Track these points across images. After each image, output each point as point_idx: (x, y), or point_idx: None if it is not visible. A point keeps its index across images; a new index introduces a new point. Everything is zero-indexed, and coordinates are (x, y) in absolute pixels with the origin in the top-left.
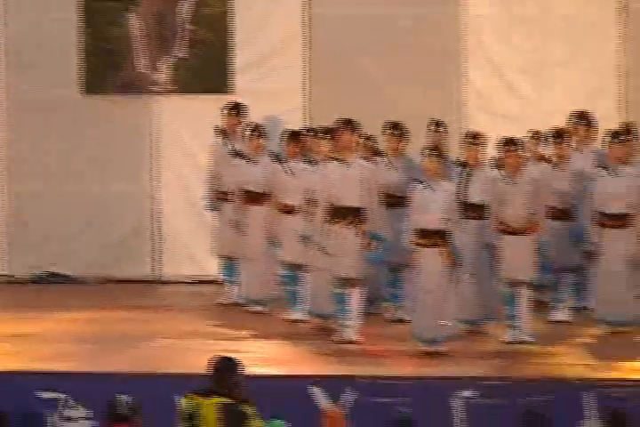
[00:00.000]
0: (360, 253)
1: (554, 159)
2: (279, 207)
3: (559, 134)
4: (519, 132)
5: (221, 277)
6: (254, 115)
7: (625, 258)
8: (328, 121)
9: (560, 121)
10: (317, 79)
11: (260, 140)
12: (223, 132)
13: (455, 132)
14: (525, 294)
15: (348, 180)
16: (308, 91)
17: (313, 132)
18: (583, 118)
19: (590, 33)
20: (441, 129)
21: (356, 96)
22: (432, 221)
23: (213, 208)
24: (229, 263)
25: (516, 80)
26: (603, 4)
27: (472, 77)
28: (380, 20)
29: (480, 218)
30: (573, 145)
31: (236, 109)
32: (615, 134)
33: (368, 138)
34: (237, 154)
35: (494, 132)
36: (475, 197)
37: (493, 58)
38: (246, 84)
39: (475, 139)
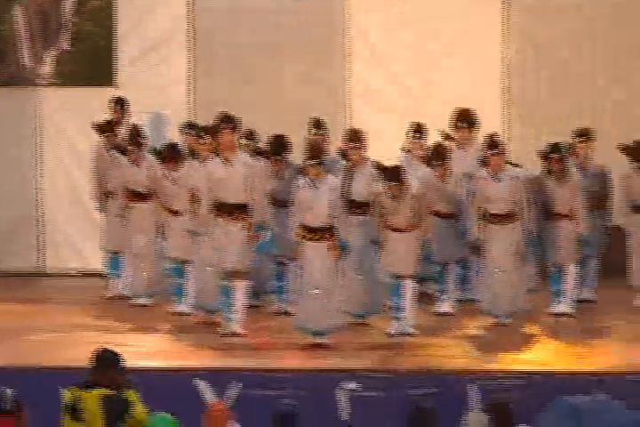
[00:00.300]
0: (245, 246)
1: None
2: (165, 207)
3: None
4: (405, 127)
5: (107, 270)
6: (139, 107)
7: (509, 253)
8: (212, 114)
9: (446, 116)
10: (202, 72)
11: (142, 146)
12: (101, 128)
13: (341, 128)
14: (410, 287)
15: (232, 178)
16: (193, 84)
17: (194, 130)
18: (464, 119)
19: (475, 28)
20: (321, 131)
21: (241, 89)
22: (317, 217)
23: (102, 209)
24: (115, 257)
25: (401, 74)
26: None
27: (357, 71)
28: (264, 13)
29: (364, 214)
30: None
31: (120, 104)
32: (492, 146)
33: (251, 134)
34: (121, 151)
35: (380, 126)
36: (358, 194)
37: (378, 52)
38: (131, 76)
39: (355, 136)
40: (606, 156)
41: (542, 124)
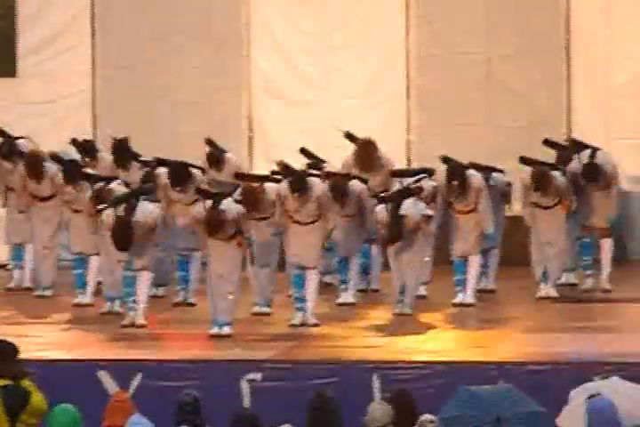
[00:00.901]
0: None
1: None
2: (67, 206)
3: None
4: (308, 116)
5: (10, 262)
6: (41, 97)
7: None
8: (115, 104)
9: (348, 105)
10: (104, 62)
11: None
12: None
13: (243, 118)
14: (313, 278)
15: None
16: (96, 73)
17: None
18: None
19: (377, 17)
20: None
21: (142, 80)
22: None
23: (4, 204)
24: (17, 249)
25: (302, 64)
26: None
27: (257, 61)
28: (165, 2)
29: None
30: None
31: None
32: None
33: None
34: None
35: (282, 116)
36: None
37: (279, 41)
38: (32, 66)
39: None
40: (505, 149)
41: (445, 113)
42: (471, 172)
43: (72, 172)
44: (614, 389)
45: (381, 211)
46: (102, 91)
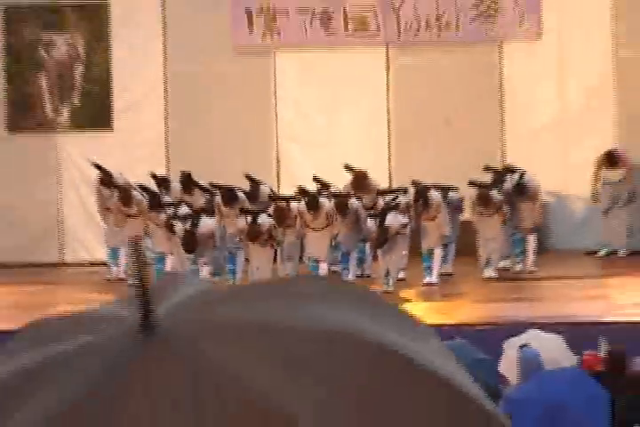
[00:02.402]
0: None
1: None
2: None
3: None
4: (318, 155)
5: (108, 261)
6: (129, 144)
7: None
8: (183, 149)
9: (347, 146)
10: (175, 117)
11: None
12: (98, 168)
13: (273, 158)
14: (324, 267)
15: None
16: (169, 128)
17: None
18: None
19: (365, 88)
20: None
21: (201, 131)
22: None
23: (103, 221)
24: (114, 251)
25: (314, 117)
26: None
27: (282, 116)
28: (219, 79)
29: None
30: None
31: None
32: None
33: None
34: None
35: (299, 155)
36: None
37: (297, 101)
38: (123, 122)
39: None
40: (459, 171)
41: (417, 148)
42: (432, 192)
43: (153, 200)
44: (537, 340)
45: (371, 223)
46: (173, 140)
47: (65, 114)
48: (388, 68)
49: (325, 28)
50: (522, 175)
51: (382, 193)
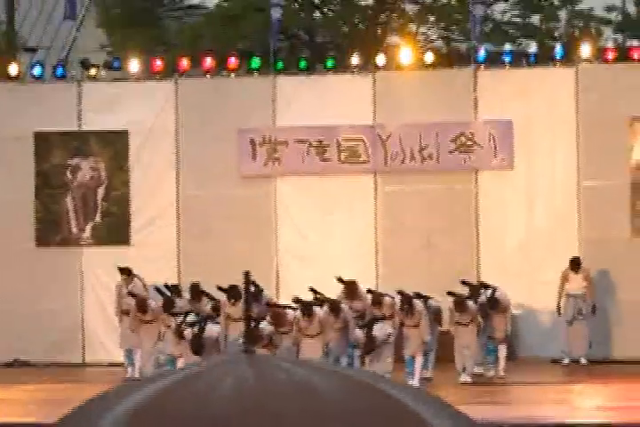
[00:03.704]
0: None
1: None
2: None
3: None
4: (313, 267)
5: (125, 361)
6: (147, 259)
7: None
8: (194, 260)
9: (339, 259)
10: (186, 235)
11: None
12: (121, 271)
13: (273, 271)
14: None
15: None
16: (180, 243)
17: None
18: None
19: (355, 205)
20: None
21: (209, 246)
22: None
23: (120, 322)
24: (129, 353)
25: (309, 236)
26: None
27: (281, 234)
28: (226, 203)
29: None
30: None
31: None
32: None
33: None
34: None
35: (297, 268)
36: None
37: (295, 222)
38: (140, 238)
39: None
40: (440, 286)
41: (401, 265)
42: (415, 300)
43: (166, 304)
44: None
45: (359, 332)
46: (184, 255)
47: (88, 230)
48: (376, 193)
49: (321, 157)
50: (494, 290)
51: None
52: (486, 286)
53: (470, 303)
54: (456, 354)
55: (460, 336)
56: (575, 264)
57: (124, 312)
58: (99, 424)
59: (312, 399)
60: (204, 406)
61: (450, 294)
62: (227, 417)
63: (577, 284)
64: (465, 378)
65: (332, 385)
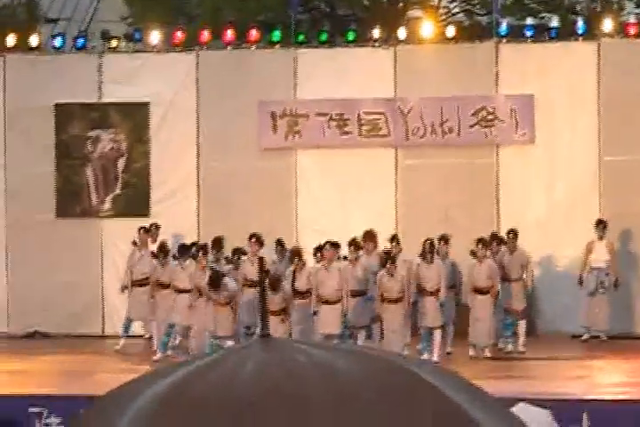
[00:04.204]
0: None
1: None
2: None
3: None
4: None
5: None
6: (169, 229)
7: None
8: (211, 227)
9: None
10: (206, 208)
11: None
12: (135, 243)
13: (293, 242)
14: None
15: None
16: (200, 214)
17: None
18: (370, 236)
19: (375, 179)
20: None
21: (236, 221)
22: None
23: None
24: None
25: (329, 208)
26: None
27: (301, 208)
28: (251, 173)
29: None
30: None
31: (155, 226)
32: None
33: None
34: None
35: (316, 240)
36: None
37: (314, 195)
38: (160, 210)
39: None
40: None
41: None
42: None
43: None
44: (526, 413)
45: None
46: (204, 228)
47: (108, 202)
48: (396, 167)
49: (341, 131)
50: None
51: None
52: (501, 241)
53: (489, 261)
54: (470, 326)
55: (475, 307)
56: (601, 226)
57: (137, 282)
58: (129, 407)
59: (333, 380)
60: (227, 390)
61: (472, 253)
62: (250, 400)
63: (601, 255)
64: (477, 353)
65: (352, 365)
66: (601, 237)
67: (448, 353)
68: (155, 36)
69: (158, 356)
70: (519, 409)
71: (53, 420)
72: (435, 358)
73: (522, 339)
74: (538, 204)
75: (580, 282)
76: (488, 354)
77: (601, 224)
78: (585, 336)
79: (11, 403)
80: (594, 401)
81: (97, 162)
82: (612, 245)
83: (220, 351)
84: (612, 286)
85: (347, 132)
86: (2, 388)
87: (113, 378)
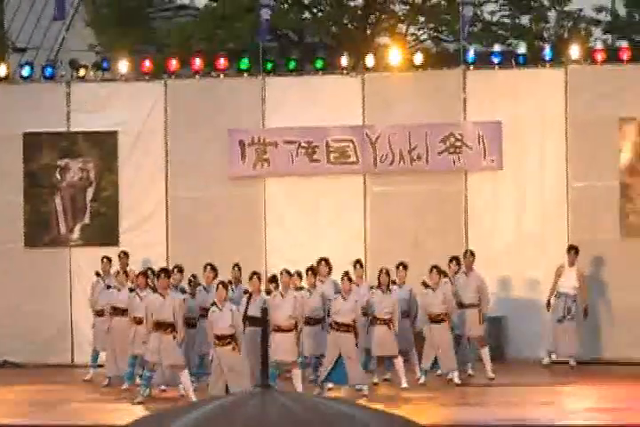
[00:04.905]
0: None
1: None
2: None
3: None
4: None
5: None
6: (137, 258)
7: None
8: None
9: (331, 261)
10: (174, 237)
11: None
12: (97, 274)
13: (262, 268)
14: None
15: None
16: (169, 245)
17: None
18: (324, 264)
19: (344, 208)
20: None
21: (199, 246)
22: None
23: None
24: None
25: (298, 237)
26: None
27: (270, 236)
28: (220, 208)
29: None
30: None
31: (125, 255)
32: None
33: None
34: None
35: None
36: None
37: (285, 225)
38: (128, 239)
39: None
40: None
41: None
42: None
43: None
44: None
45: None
46: (173, 256)
47: (76, 231)
48: (365, 194)
49: (310, 158)
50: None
51: None
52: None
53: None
54: (424, 353)
55: (432, 334)
56: (573, 251)
57: (99, 313)
58: None
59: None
60: None
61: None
62: None
63: (570, 281)
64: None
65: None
66: (572, 263)
67: (421, 384)
68: (123, 65)
69: (126, 386)
70: None
71: None
72: (403, 384)
73: (488, 366)
74: (506, 229)
75: (548, 306)
76: (457, 381)
77: (572, 250)
78: (545, 360)
79: None
80: None
81: (66, 191)
82: (581, 271)
83: (223, 399)
84: (580, 314)
85: (315, 160)
86: None
87: (83, 408)
